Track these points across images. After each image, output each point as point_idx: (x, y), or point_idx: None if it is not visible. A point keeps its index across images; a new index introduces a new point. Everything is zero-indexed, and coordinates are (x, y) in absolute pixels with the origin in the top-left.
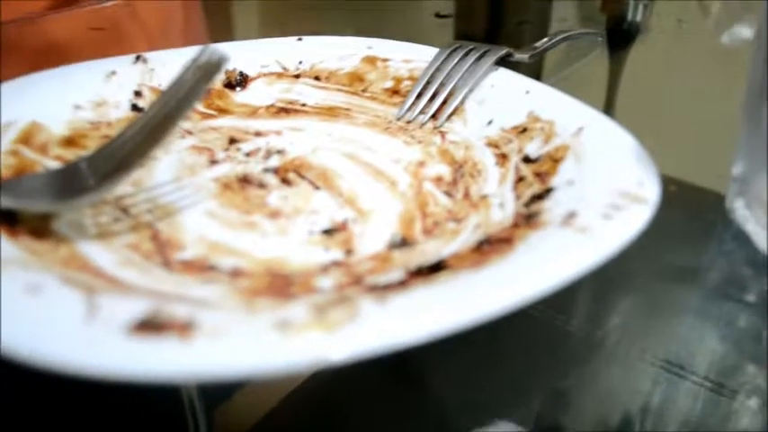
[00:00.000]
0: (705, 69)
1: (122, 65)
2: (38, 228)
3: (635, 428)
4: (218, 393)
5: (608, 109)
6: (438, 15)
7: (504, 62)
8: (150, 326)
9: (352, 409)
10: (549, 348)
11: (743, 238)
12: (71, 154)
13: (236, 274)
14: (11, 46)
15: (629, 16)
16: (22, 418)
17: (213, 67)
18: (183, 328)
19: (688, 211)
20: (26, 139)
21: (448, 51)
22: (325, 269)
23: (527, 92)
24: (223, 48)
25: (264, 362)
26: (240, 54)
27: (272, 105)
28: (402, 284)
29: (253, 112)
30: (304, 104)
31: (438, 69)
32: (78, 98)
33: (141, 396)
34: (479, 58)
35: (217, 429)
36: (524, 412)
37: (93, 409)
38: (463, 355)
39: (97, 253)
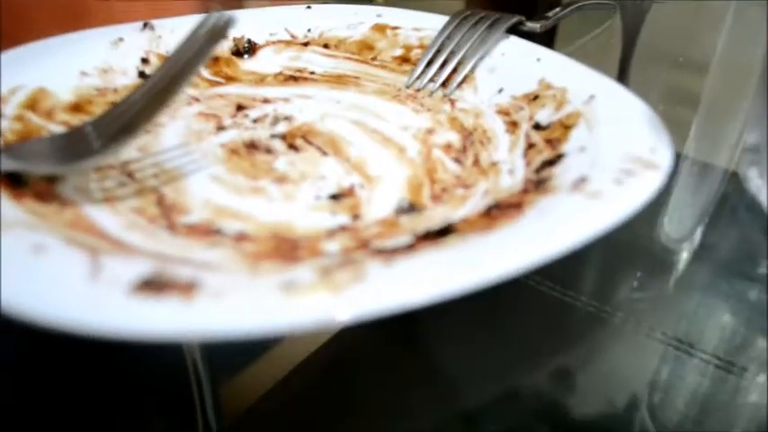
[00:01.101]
0: (719, 39)
1: (129, 32)
2: (43, 191)
3: (643, 405)
4: (223, 369)
5: (621, 79)
6: None
7: (515, 32)
8: (153, 285)
9: (355, 384)
10: (558, 324)
11: (756, 210)
12: (77, 119)
13: (240, 238)
14: (18, 13)
15: None
16: (23, 384)
17: (219, 30)
18: (186, 289)
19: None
20: (32, 104)
21: (458, 19)
22: (331, 234)
23: (538, 59)
24: (231, 14)
25: (268, 321)
26: (248, 21)
27: (280, 73)
28: (410, 248)
29: (260, 80)
30: (312, 72)
31: (448, 37)
32: (85, 65)
33: (147, 372)
34: (490, 27)
35: (223, 405)
36: (531, 387)
37: (98, 386)
38: (472, 332)
39: (102, 216)
